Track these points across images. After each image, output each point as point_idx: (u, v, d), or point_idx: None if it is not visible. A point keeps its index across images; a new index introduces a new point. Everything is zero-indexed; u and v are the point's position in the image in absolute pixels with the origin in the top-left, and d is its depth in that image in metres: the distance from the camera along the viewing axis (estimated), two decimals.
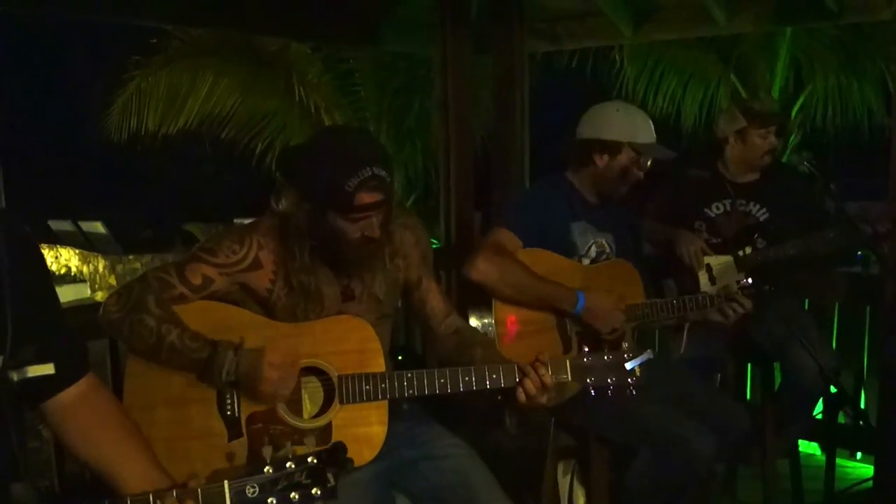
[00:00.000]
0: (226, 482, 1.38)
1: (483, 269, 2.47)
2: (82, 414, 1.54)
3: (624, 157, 2.60)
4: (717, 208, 3.17)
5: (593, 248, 2.68)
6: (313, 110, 7.88)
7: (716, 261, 3.03)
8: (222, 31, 6.26)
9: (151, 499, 1.37)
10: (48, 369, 1.30)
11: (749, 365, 3.71)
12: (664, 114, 7.00)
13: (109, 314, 1.89)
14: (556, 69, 6.91)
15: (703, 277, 3.02)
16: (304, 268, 1.98)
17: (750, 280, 2.60)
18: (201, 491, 1.38)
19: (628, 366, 1.99)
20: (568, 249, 2.62)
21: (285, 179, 1.98)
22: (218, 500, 1.37)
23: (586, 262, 2.66)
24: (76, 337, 1.57)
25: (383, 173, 1.88)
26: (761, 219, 3.14)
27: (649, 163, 2.64)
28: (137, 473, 1.49)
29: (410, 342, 3.73)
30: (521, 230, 2.55)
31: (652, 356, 2.02)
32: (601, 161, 2.62)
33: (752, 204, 3.15)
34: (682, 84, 7.07)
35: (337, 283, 2.04)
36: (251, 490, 1.38)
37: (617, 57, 6.87)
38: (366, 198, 1.88)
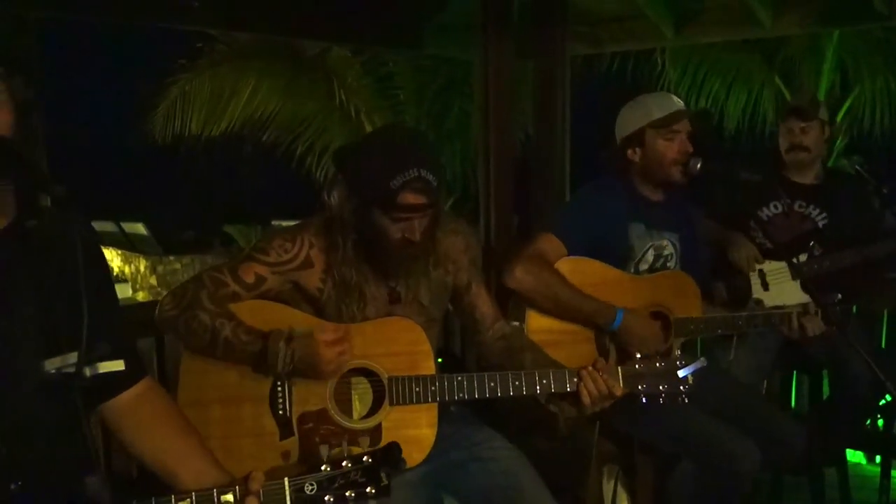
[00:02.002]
0: (286, 479, 1.42)
1: (520, 277, 2.43)
2: (141, 413, 1.58)
3: (651, 140, 2.57)
4: (775, 207, 3.11)
5: (650, 253, 2.62)
6: (353, 113, 7.94)
7: (769, 266, 2.98)
8: (265, 35, 6.33)
9: (216, 494, 1.40)
10: (119, 365, 1.33)
11: (795, 372, 3.65)
12: (712, 116, 6.90)
13: (165, 312, 1.93)
14: (598, 72, 6.89)
15: (755, 283, 2.97)
16: (347, 261, 1.99)
17: (840, 296, 2.55)
18: (262, 487, 1.41)
19: (681, 373, 1.97)
20: (625, 254, 2.58)
21: (338, 174, 2.01)
22: (278, 496, 1.41)
23: (643, 267, 2.61)
24: (133, 341, 1.62)
25: (430, 177, 1.88)
26: (820, 224, 3.07)
27: (687, 129, 2.57)
28: (195, 471, 1.53)
29: (449, 345, 3.74)
30: (568, 237, 2.51)
31: (705, 364, 2.00)
32: (636, 156, 2.60)
33: (811, 207, 3.10)
34: (725, 87, 6.98)
35: (383, 284, 2.06)
36: (309, 488, 1.42)
37: (659, 59, 6.82)
38: (409, 198, 1.89)
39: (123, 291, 13.14)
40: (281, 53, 7.70)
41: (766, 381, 3.25)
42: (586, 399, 1.97)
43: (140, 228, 14.63)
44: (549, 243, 2.50)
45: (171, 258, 13.49)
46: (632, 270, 2.60)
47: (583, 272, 2.49)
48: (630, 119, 2.63)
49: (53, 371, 1.31)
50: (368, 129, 7.81)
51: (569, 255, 2.51)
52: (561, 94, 4.21)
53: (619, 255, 2.57)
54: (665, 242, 2.65)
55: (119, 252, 14.33)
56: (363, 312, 2.02)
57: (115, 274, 14.26)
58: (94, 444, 1.35)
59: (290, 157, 8.28)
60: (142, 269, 13.86)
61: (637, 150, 2.59)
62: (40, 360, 1.33)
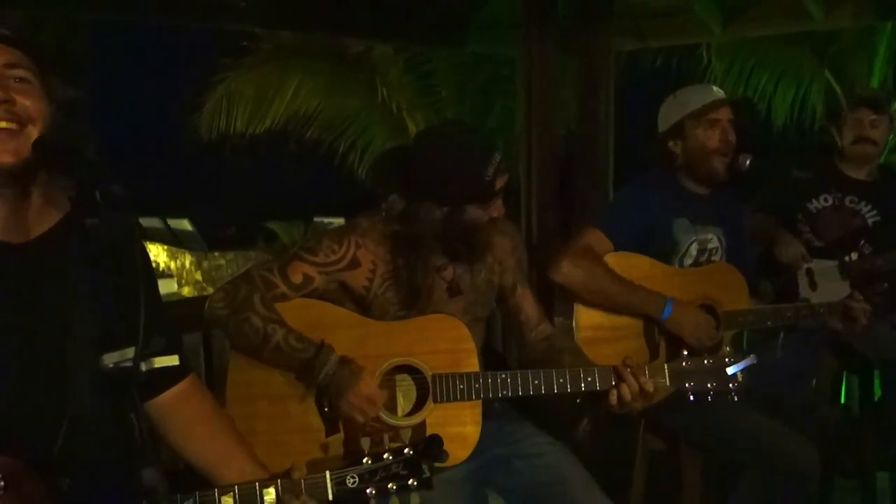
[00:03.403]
0: (327, 472, 1.43)
1: (567, 271, 2.42)
2: (184, 411, 1.61)
3: (691, 131, 2.55)
4: (825, 200, 3.04)
5: (694, 247, 2.59)
6: (395, 111, 7.96)
7: (818, 265, 2.92)
8: (309, 33, 6.39)
9: (258, 487, 1.42)
10: (174, 360, 1.36)
11: (845, 373, 3.57)
12: (754, 104, 6.76)
13: (216, 310, 1.96)
14: (642, 67, 6.79)
15: (802, 282, 2.92)
16: (424, 273, 2.02)
17: (886, 285, 2.50)
18: (304, 480, 1.43)
19: (730, 371, 1.94)
20: (669, 248, 2.56)
21: (405, 194, 2.01)
22: (320, 489, 1.43)
23: (688, 261, 2.59)
24: (179, 339, 1.65)
25: (500, 152, 1.96)
26: (870, 221, 3.00)
27: (728, 118, 2.53)
28: (235, 468, 1.55)
29: (491, 341, 3.73)
30: (614, 231, 2.49)
31: (755, 361, 1.96)
32: (677, 148, 2.59)
33: (863, 203, 3.02)
34: (773, 81, 6.81)
35: (443, 280, 2.07)
36: (351, 480, 1.44)
37: (704, 54, 6.69)
38: (500, 181, 1.96)
39: (169, 287, 13.37)
40: (324, 52, 7.75)
41: (814, 381, 3.19)
42: (613, 399, 1.95)
43: (186, 224, 14.87)
44: (596, 238, 2.49)
45: (216, 254, 13.69)
46: (676, 265, 2.58)
47: (630, 267, 2.47)
48: (669, 112, 2.62)
49: (111, 366, 1.34)
50: (410, 126, 7.82)
51: (615, 250, 2.50)
52: (604, 90, 4.17)
53: (663, 250, 2.55)
54: (710, 236, 2.62)
55: (165, 248, 14.58)
56: (426, 309, 2.03)
57: (161, 269, 14.53)
58: (149, 437, 1.38)
59: (332, 155, 8.33)
60: (187, 264, 14.08)
61: (678, 142, 2.58)
62: (98, 355, 1.36)
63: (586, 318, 2.47)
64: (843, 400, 3.70)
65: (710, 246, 2.62)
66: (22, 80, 1.34)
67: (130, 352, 1.29)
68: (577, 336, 2.44)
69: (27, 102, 1.33)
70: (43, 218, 1.41)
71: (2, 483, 1.26)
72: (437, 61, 7.66)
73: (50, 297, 1.38)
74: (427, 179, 1.96)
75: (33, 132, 1.34)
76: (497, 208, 2.01)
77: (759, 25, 4.19)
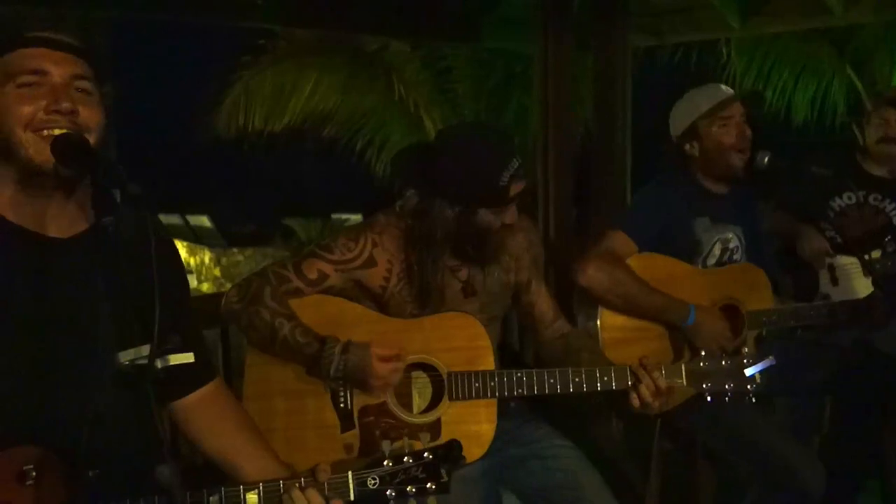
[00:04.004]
0: (349, 473, 1.46)
1: (592, 275, 2.41)
2: (209, 413, 1.64)
3: (706, 131, 2.53)
4: (849, 198, 3.02)
5: (717, 247, 2.58)
6: (412, 107, 7.98)
7: (840, 261, 2.89)
8: (326, 31, 6.42)
9: (282, 485, 1.44)
10: (188, 358, 1.38)
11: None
12: (774, 108, 6.71)
13: (230, 304, 1.98)
14: (659, 64, 6.74)
15: (823, 278, 2.90)
16: (434, 270, 2.02)
17: None
18: (327, 480, 1.45)
19: (748, 372, 1.93)
20: (692, 249, 2.55)
21: (420, 189, 2.01)
22: (342, 489, 1.45)
23: (711, 261, 2.58)
24: (205, 342, 1.67)
25: (519, 159, 1.94)
26: (894, 219, 2.97)
27: (741, 113, 2.52)
28: (259, 468, 1.57)
29: (508, 339, 3.73)
30: (637, 233, 2.48)
31: (774, 362, 1.95)
32: (694, 149, 2.57)
33: (887, 201, 2.99)
34: (793, 77, 6.75)
35: (458, 280, 2.08)
36: (372, 482, 1.46)
37: (723, 50, 6.63)
38: (516, 187, 1.94)
39: (189, 283, 13.47)
40: (341, 49, 7.77)
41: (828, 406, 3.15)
42: (634, 401, 1.95)
43: (205, 221, 15.00)
44: (620, 240, 2.49)
45: (235, 250, 13.79)
46: (700, 265, 2.57)
47: (654, 268, 2.47)
48: (680, 116, 2.61)
49: (127, 363, 1.37)
50: (427, 123, 7.83)
51: (639, 251, 2.49)
52: (622, 86, 4.16)
53: (686, 251, 2.54)
54: (730, 235, 2.60)
55: (185, 244, 14.70)
56: (442, 308, 2.04)
57: None
58: (166, 434, 1.40)
59: (349, 152, 8.36)
60: (206, 261, 14.20)
61: (694, 144, 2.57)
62: (115, 352, 1.39)
63: (610, 320, 2.47)
64: None
65: (731, 245, 2.61)
66: (84, 90, 1.39)
67: (146, 349, 1.31)
68: (602, 337, 2.44)
69: (88, 113, 1.38)
70: (83, 216, 1.45)
71: (33, 473, 1.29)
72: (453, 58, 7.66)
73: (83, 293, 1.41)
74: (442, 177, 1.95)
75: (90, 141, 1.37)
76: (511, 215, 1.99)
77: (779, 20, 4.15)
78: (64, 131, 1.33)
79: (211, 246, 14.29)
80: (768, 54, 6.62)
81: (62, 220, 1.42)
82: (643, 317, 2.46)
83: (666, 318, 2.45)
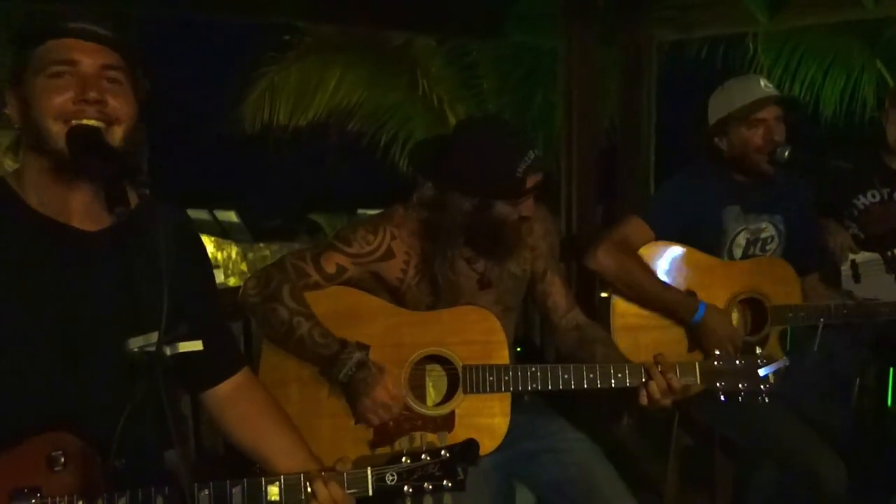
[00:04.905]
0: (369, 469, 1.49)
1: (601, 260, 2.43)
2: (240, 404, 1.66)
3: (734, 129, 2.52)
4: (873, 196, 2.97)
5: (742, 236, 2.55)
6: (436, 103, 7.97)
7: (862, 257, 2.85)
8: (351, 26, 6.43)
9: (302, 478, 1.45)
10: (196, 346, 1.40)
11: (892, 369, 3.47)
12: (802, 102, 6.60)
13: (248, 297, 1.99)
14: (686, 58, 6.67)
15: (846, 274, 2.86)
16: (450, 262, 2.02)
17: None
18: (347, 475, 1.48)
19: (762, 372, 1.92)
20: (717, 238, 2.53)
21: (436, 182, 2.02)
22: (361, 484, 1.48)
23: (737, 252, 2.55)
24: (232, 333, 1.69)
25: (538, 151, 1.93)
26: None
27: (775, 115, 2.49)
28: (289, 460, 1.59)
29: (529, 334, 3.73)
30: (658, 221, 2.48)
31: (788, 363, 1.94)
32: (725, 144, 2.56)
33: None
34: (821, 71, 6.63)
35: (474, 272, 2.07)
36: (390, 478, 1.49)
37: (751, 44, 6.54)
38: (532, 179, 1.93)
39: (216, 277, 13.60)
40: (365, 45, 7.78)
41: (858, 379, 3.12)
42: (643, 398, 1.94)
43: (232, 216, 15.09)
44: (637, 227, 2.48)
45: (261, 245, 13.86)
46: (725, 256, 2.54)
47: (672, 257, 2.46)
48: (714, 107, 2.59)
49: (136, 349, 1.39)
50: (451, 118, 7.82)
51: (658, 239, 2.47)
52: (647, 81, 4.13)
53: (711, 240, 2.52)
54: (764, 225, 2.58)
55: (212, 239, 14.81)
56: (451, 304, 2.04)
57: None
58: (178, 421, 1.42)
59: (374, 147, 8.38)
60: (233, 255, 14.30)
61: (724, 140, 2.55)
62: (125, 339, 1.40)
63: (624, 306, 2.46)
64: (889, 397, 3.60)
65: (762, 235, 2.58)
66: (115, 80, 1.40)
67: (154, 336, 1.33)
68: (614, 323, 2.44)
69: (117, 104, 1.39)
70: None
71: (61, 459, 1.31)
72: (477, 53, 7.64)
73: (107, 284, 1.44)
74: (458, 169, 1.95)
75: (118, 132, 1.40)
76: (528, 207, 1.98)
77: (808, 14, 4.08)
78: (92, 122, 1.35)
79: (237, 241, 14.40)
80: (796, 48, 6.51)
81: (90, 213, 1.45)
82: (650, 309, 2.45)
83: (673, 314, 2.44)
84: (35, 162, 1.40)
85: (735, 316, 2.54)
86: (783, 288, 2.52)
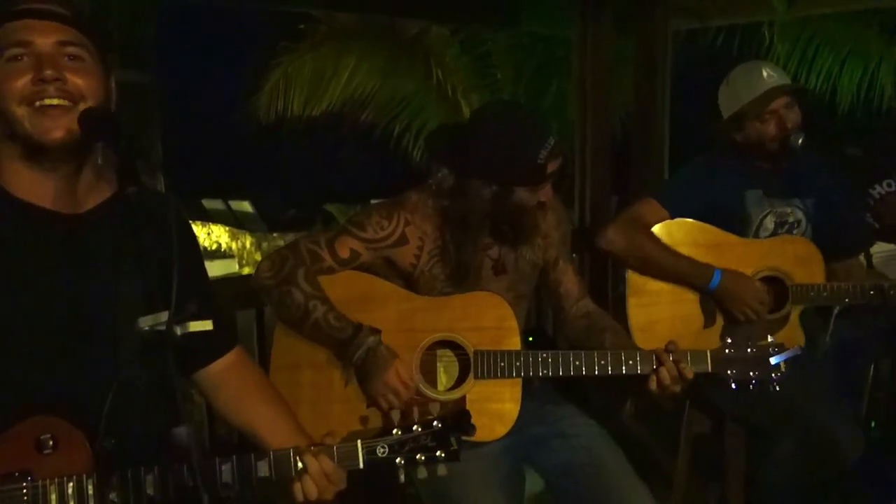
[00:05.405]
0: (358, 441, 1.49)
1: (611, 238, 2.45)
2: (232, 383, 1.67)
3: (748, 122, 2.51)
4: (889, 185, 2.95)
5: (769, 219, 2.54)
6: (450, 92, 7.95)
7: (877, 248, 2.84)
8: (365, 15, 6.43)
9: (291, 454, 1.46)
10: (207, 325, 1.41)
11: None
12: (818, 93, 6.53)
13: (262, 279, 2.00)
14: (701, 47, 6.61)
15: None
16: (473, 250, 2.03)
17: None
18: (336, 448, 1.48)
19: (773, 361, 1.91)
20: (741, 221, 2.52)
21: (455, 169, 2.02)
22: (351, 457, 1.48)
23: (764, 235, 2.54)
24: (223, 313, 1.70)
25: (556, 137, 1.95)
26: None
27: (785, 103, 2.47)
28: (281, 437, 1.60)
29: (541, 324, 3.73)
30: (672, 202, 2.48)
31: (800, 352, 1.93)
32: (741, 136, 2.56)
33: None
34: (838, 61, 6.55)
35: (489, 258, 2.08)
36: (381, 450, 1.48)
37: (767, 33, 6.47)
38: (552, 165, 1.94)
39: (230, 267, 13.68)
40: (380, 34, 7.78)
41: (872, 367, 3.10)
42: (653, 385, 1.94)
43: (246, 206, 15.14)
44: (648, 207, 2.49)
45: (275, 235, 13.91)
46: (750, 237, 2.53)
47: (687, 234, 2.45)
48: (724, 102, 2.59)
49: (147, 328, 1.40)
50: (465, 108, 7.80)
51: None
52: (661, 71, 4.10)
53: (733, 222, 2.51)
54: (790, 210, 2.56)
55: (227, 229, 14.89)
56: (472, 286, 2.05)
57: (222, 250, 14.88)
58: (185, 400, 1.43)
59: (388, 137, 8.38)
60: (248, 245, 14.37)
61: (739, 132, 2.55)
62: (135, 318, 1.42)
63: (639, 283, 2.46)
64: None
65: (790, 219, 2.56)
66: (75, 57, 1.38)
67: (165, 315, 1.34)
68: (629, 301, 2.44)
69: (79, 81, 1.37)
70: (94, 193, 1.47)
71: (51, 443, 1.32)
72: (492, 43, 7.61)
73: (96, 267, 1.44)
74: (479, 157, 1.95)
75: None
76: (546, 192, 1.99)
77: (825, 2, 4.05)
78: (55, 101, 1.33)
79: (252, 231, 14.46)
80: (813, 38, 6.44)
81: (73, 196, 1.44)
82: (665, 279, 2.44)
83: (689, 282, 2.43)
84: (9, 150, 1.39)
85: None
86: (805, 268, 2.49)
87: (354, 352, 1.90)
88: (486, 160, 1.94)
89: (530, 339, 3.15)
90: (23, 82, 1.34)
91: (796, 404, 2.29)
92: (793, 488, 2.36)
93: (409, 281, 2.08)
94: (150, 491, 1.35)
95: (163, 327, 1.33)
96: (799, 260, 2.48)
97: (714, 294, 2.40)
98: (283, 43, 8.23)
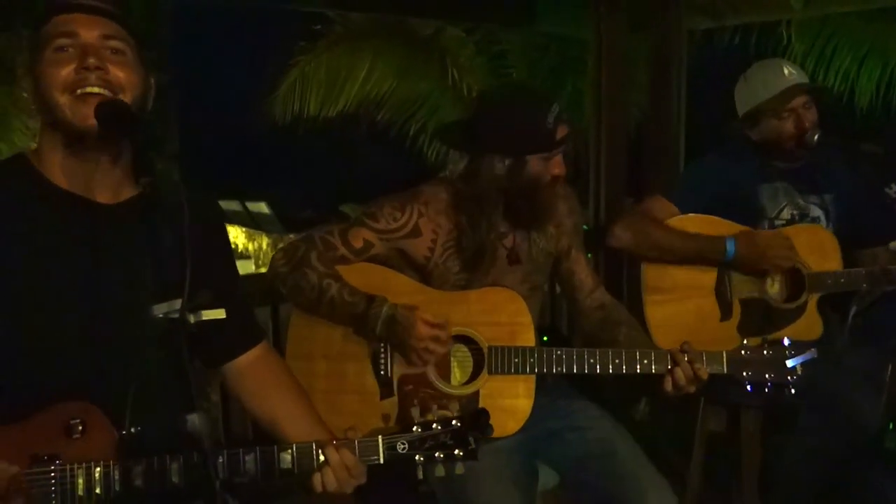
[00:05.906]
0: (380, 437, 1.50)
1: (619, 235, 2.47)
2: (257, 376, 1.69)
3: (764, 120, 2.51)
4: None
5: (786, 211, 2.54)
6: (466, 92, 7.96)
7: (894, 246, 2.81)
8: (381, 15, 6.46)
9: (314, 447, 1.48)
10: (219, 314, 1.43)
11: None
12: (836, 93, 6.48)
13: (277, 267, 2.02)
14: (717, 47, 6.58)
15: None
16: (488, 230, 2.03)
17: None
18: (358, 442, 1.49)
19: (789, 363, 1.90)
20: (755, 214, 2.51)
21: (467, 149, 2.04)
22: (372, 452, 1.50)
23: (780, 225, 2.53)
24: (251, 306, 1.73)
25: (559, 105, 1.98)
26: None
27: (804, 102, 2.47)
28: (303, 431, 1.61)
29: (556, 323, 3.73)
30: (681, 197, 2.49)
31: (815, 355, 1.92)
32: (757, 133, 2.56)
33: None
34: (857, 60, 6.50)
35: (503, 247, 2.08)
36: (401, 446, 1.50)
37: (784, 32, 6.43)
38: (562, 130, 1.96)
39: (247, 267, 13.76)
40: (395, 34, 7.80)
41: (890, 369, 3.07)
42: (668, 385, 1.93)
43: (263, 207, 15.23)
44: (657, 204, 2.51)
45: (292, 236, 13.96)
46: (766, 227, 2.53)
47: (697, 227, 2.45)
48: (741, 100, 2.59)
49: (161, 316, 1.42)
50: None
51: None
52: (677, 70, 4.09)
53: (748, 215, 2.50)
54: (808, 205, 2.55)
55: (244, 230, 14.98)
56: (480, 281, 2.05)
57: (239, 251, 14.98)
58: (199, 387, 1.45)
59: (403, 137, 8.39)
60: (264, 246, 14.44)
61: (755, 130, 2.56)
62: (150, 306, 1.44)
63: (654, 279, 2.46)
64: None
65: (811, 215, 2.56)
66: (117, 51, 1.43)
67: (178, 303, 1.36)
68: (645, 298, 2.43)
69: (120, 73, 1.42)
70: (128, 185, 1.51)
71: (79, 427, 1.35)
72: (507, 42, 7.62)
73: (127, 256, 1.47)
74: (488, 130, 1.97)
75: (126, 101, 1.42)
76: (557, 163, 2.00)
77: (843, 0, 4.02)
78: (96, 89, 1.38)
79: (268, 231, 14.54)
80: (831, 37, 6.38)
81: (110, 186, 1.48)
82: (682, 262, 2.43)
83: (705, 257, 2.42)
84: (51, 138, 1.44)
85: (772, 283, 2.51)
86: (821, 256, 2.48)
87: (374, 326, 1.91)
88: (497, 132, 1.96)
89: (545, 338, 3.14)
90: (66, 71, 1.39)
91: (819, 379, 2.27)
92: (811, 474, 2.34)
93: (424, 273, 2.09)
94: (174, 479, 1.37)
95: (176, 315, 1.35)
96: (813, 247, 2.47)
97: (734, 263, 2.39)
98: (298, 43, 8.26)
